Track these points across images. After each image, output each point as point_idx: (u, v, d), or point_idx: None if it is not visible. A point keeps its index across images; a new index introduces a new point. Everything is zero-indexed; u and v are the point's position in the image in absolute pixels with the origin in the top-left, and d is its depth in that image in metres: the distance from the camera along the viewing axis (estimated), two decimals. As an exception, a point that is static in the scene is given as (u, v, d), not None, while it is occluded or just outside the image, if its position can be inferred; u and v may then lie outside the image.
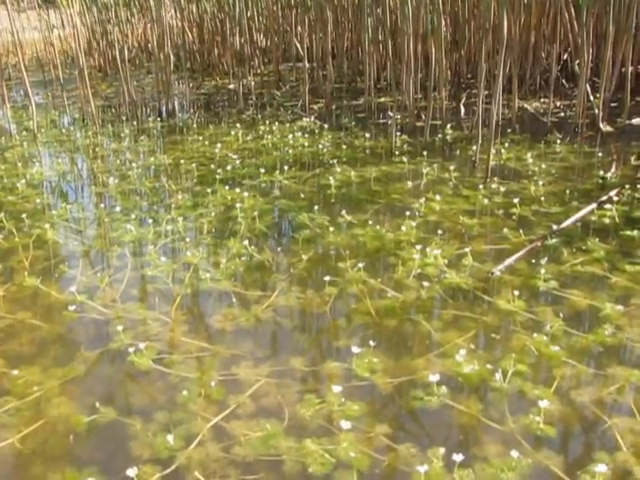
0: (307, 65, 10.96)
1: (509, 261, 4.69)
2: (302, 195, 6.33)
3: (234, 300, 4.44)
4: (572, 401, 3.31)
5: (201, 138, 8.67)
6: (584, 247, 4.93)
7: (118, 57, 10.82)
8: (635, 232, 5.14)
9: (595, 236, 5.09)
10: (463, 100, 9.90)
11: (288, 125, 9.16)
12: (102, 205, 6.45)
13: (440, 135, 8.34)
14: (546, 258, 4.65)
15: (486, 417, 3.20)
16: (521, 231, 5.20)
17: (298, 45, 11.80)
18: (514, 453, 2.85)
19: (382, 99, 10.37)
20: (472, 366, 3.55)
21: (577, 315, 4.08)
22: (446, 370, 3.54)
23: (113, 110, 11.25)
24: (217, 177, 6.88)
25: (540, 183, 6.26)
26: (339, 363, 3.66)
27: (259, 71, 13.44)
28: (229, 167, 7.17)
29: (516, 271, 4.62)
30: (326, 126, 8.92)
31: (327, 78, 11.01)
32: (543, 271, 4.48)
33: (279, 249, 5.21)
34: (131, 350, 3.78)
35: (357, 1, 11.28)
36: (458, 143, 8.01)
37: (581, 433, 3.17)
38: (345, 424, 3.03)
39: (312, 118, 9.47)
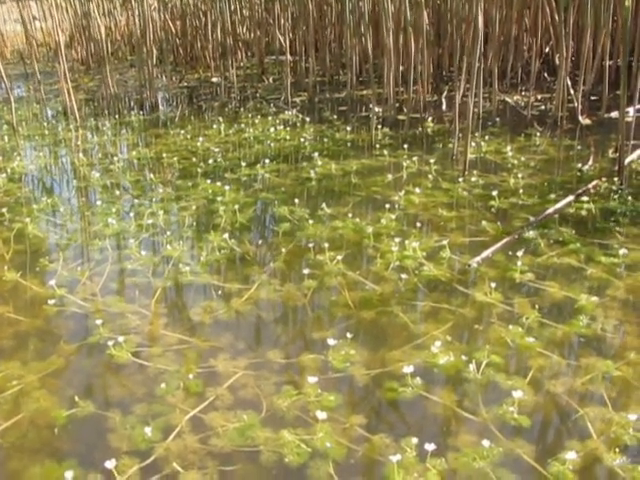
0: (290, 58, 10.97)
1: (486, 253, 4.74)
2: (283, 188, 6.36)
3: (214, 293, 4.47)
4: (546, 391, 3.37)
5: (183, 132, 8.67)
6: (561, 239, 4.99)
7: (101, 50, 10.80)
8: (611, 224, 5.21)
9: (572, 228, 5.15)
10: (445, 93, 9.94)
11: (270, 118, 9.17)
12: (83, 199, 6.46)
13: (421, 128, 8.38)
14: (523, 250, 4.69)
15: (460, 407, 3.25)
16: (499, 223, 5.25)
17: (281, 38, 11.81)
18: (486, 442, 2.90)
19: (364, 92, 10.38)
20: (448, 357, 3.60)
21: (553, 306, 4.14)
22: (422, 362, 3.59)
23: (95, 103, 11.22)
24: (199, 170, 6.90)
25: (519, 176, 6.32)
26: (317, 355, 3.70)
27: (242, 64, 13.44)
28: (211, 160, 7.18)
29: (493, 263, 4.67)
30: (308, 119, 8.94)
31: (310, 71, 11.02)
32: (520, 263, 4.53)
33: (259, 242, 5.24)
34: (110, 343, 3.80)
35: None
36: (439, 136, 8.05)
37: (554, 422, 3.23)
38: (321, 415, 3.07)
39: (294, 111, 9.49)
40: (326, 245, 4.87)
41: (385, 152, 7.25)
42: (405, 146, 7.39)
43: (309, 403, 3.29)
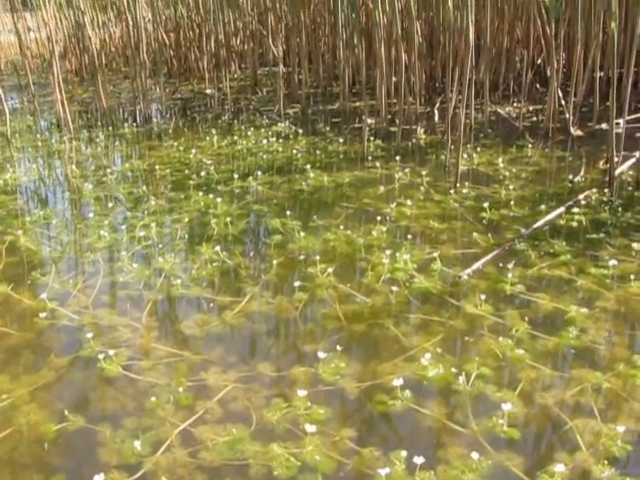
0: (283, 70, 10.99)
1: (477, 265, 4.76)
2: (275, 200, 6.37)
3: (205, 306, 4.47)
4: (535, 403, 3.38)
5: (176, 144, 8.68)
6: (551, 250, 5.01)
7: (95, 62, 10.82)
8: (601, 235, 5.23)
9: (562, 239, 5.17)
10: (437, 105, 9.97)
11: (263, 130, 9.18)
12: (76, 211, 6.47)
13: (414, 140, 8.40)
14: (514, 262, 4.72)
15: (450, 420, 3.26)
16: (490, 235, 5.27)
17: (274, 50, 11.84)
18: (475, 455, 2.91)
19: (357, 103, 10.40)
20: (437, 370, 3.61)
21: (543, 318, 4.16)
22: (412, 374, 3.60)
23: (89, 115, 11.22)
24: (191, 183, 6.92)
25: (510, 187, 6.34)
26: (307, 368, 3.70)
27: (236, 76, 13.46)
28: (203, 173, 7.19)
29: (484, 275, 4.69)
30: (301, 131, 8.95)
31: (303, 83, 11.05)
32: (510, 275, 4.54)
33: (251, 254, 5.25)
34: (101, 357, 3.81)
35: (332, 6, 11.32)
36: (431, 148, 8.07)
37: (543, 435, 3.24)
38: (310, 428, 3.07)
39: (287, 123, 9.51)
40: (317, 257, 4.89)
41: (377, 164, 7.27)
42: (397, 158, 7.41)
43: (299, 416, 3.30)
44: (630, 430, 3.11)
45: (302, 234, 5.42)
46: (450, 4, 8.38)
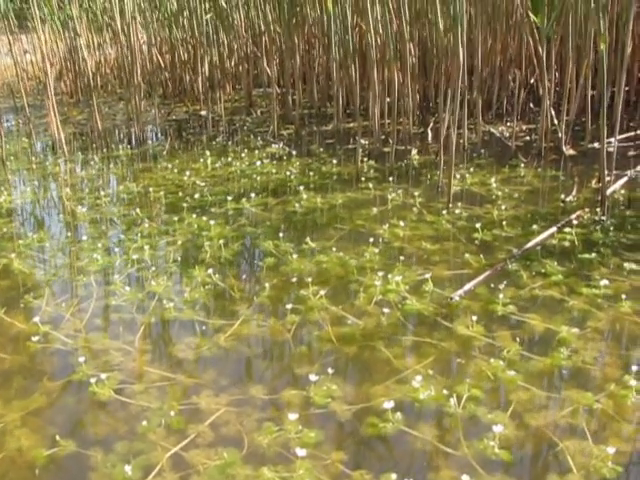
0: (277, 91, 11.04)
1: (469, 286, 4.77)
2: (268, 222, 6.38)
3: (197, 329, 4.48)
4: (527, 425, 3.38)
5: (170, 166, 8.71)
6: (543, 270, 5.03)
7: (90, 84, 10.87)
8: (593, 255, 5.25)
9: (554, 259, 5.18)
10: (431, 125, 10.01)
11: (257, 152, 9.21)
12: (70, 234, 6.47)
13: (407, 160, 8.43)
14: (505, 282, 4.73)
15: (441, 442, 3.26)
16: (482, 256, 5.29)
17: (269, 71, 11.90)
18: (466, 477, 2.90)
19: (351, 124, 10.44)
20: (429, 392, 3.62)
21: (534, 339, 4.17)
22: (403, 396, 3.61)
23: (84, 137, 11.25)
24: (185, 205, 6.93)
25: (503, 207, 6.37)
26: (299, 391, 3.71)
27: (230, 97, 13.52)
28: (197, 195, 7.21)
29: (476, 296, 4.70)
30: (295, 152, 8.98)
31: (297, 104, 11.10)
32: (502, 296, 4.56)
33: (243, 277, 5.25)
34: (93, 381, 3.81)
35: (326, 28, 11.40)
36: (424, 168, 8.09)
37: (534, 456, 3.24)
38: (301, 452, 3.08)
39: (281, 144, 9.54)
40: (310, 279, 4.90)
41: (370, 185, 7.28)
42: (390, 178, 7.44)
43: (290, 440, 3.30)
44: (620, 451, 3.11)
45: (295, 256, 5.44)
46: (441, 26, 8.44)
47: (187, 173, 8.19)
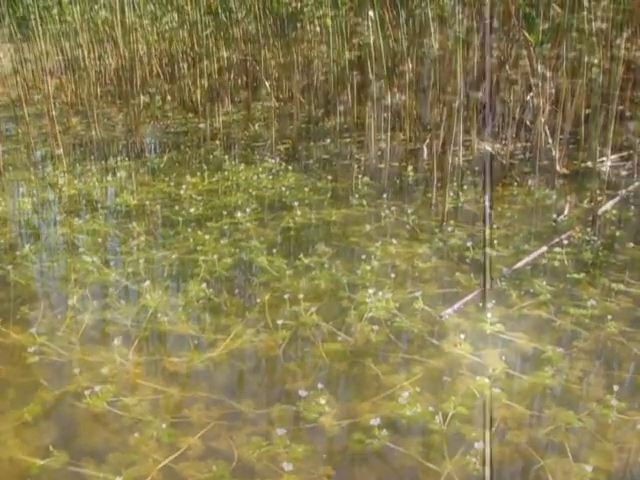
0: (275, 105, 11.14)
1: (458, 305, 4.86)
2: (262, 238, 6.45)
3: (191, 343, 4.56)
4: (509, 442, 3.46)
5: (167, 178, 8.77)
6: (532, 290, 5.11)
7: (90, 95, 10.97)
8: (582, 275, 5.33)
9: (543, 279, 5.27)
10: (426, 142, 10.10)
11: (254, 166, 9.28)
12: (66, 246, 6.55)
13: (401, 177, 8.52)
14: (494, 301, 4.82)
15: (425, 459, 3.34)
16: (472, 275, 5.37)
17: (267, 85, 12.02)
18: (448, 494, 2.99)
19: (348, 140, 10.54)
20: (415, 409, 3.70)
21: (520, 358, 4.25)
22: (390, 413, 3.69)
23: (82, 148, 11.33)
24: (181, 219, 7.00)
25: (495, 226, 6.45)
26: (288, 406, 3.79)
27: (229, 110, 13.62)
28: (193, 209, 7.29)
29: (465, 314, 4.78)
30: (291, 167, 9.05)
31: (295, 118, 11.20)
32: (490, 315, 4.64)
33: (236, 292, 5.33)
34: (87, 393, 3.89)
35: (324, 43, 11.50)
36: (418, 185, 8.18)
37: (515, 473, 3.33)
38: (288, 466, 3.16)
39: (278, 159, 9.62)
40: (302, 296, 4.98)
41: (364, 202, 7.35)
42: (384, 195, 7.52)
43: (278, 454, 3.38)
44: (599, 468, 3.20)
45: (288, 272, 5.52)
46: (435, 46, 8.55)
47: (184, 186, 8.26)
